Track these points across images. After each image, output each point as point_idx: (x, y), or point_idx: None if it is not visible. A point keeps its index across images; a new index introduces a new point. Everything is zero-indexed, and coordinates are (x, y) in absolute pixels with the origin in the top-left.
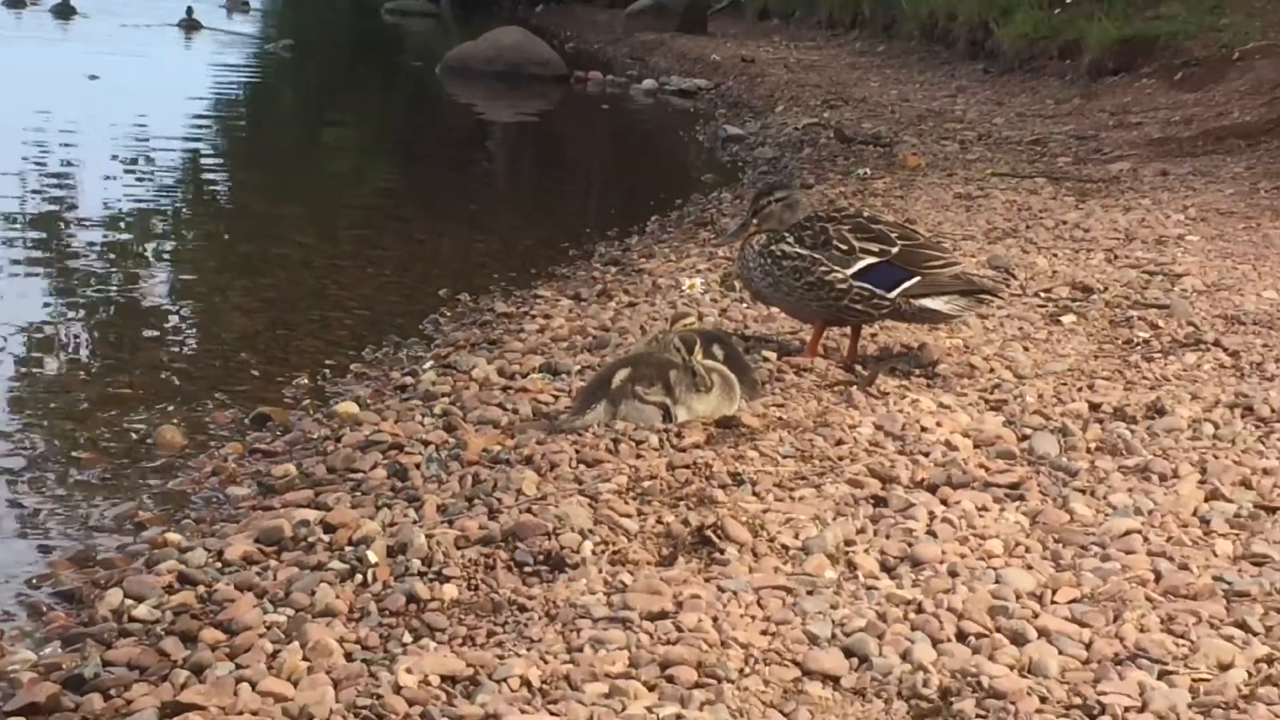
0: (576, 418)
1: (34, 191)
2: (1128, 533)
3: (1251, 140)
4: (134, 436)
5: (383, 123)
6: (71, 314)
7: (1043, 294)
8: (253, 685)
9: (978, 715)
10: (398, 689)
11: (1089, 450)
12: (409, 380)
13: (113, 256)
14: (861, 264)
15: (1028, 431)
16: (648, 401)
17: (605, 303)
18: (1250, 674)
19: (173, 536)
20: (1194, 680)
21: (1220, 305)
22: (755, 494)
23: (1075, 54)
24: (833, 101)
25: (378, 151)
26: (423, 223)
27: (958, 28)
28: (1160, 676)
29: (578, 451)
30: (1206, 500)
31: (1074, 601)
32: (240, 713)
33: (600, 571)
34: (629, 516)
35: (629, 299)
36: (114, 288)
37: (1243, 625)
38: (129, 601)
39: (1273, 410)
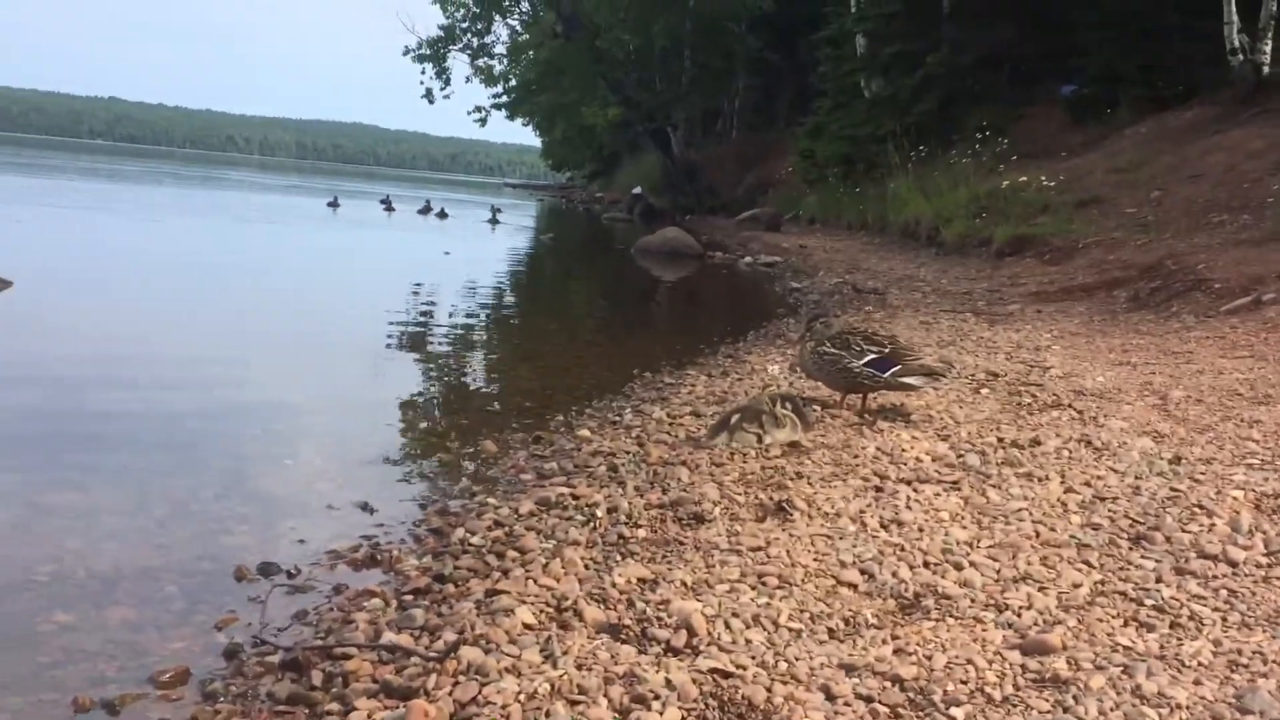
0: (711, 439)
1: (412, 313)
2: (1019, 510)
3: (1089, 294)
4: (470, 446)
5: (601, 279)
6: (437, 381)
7: (969, 377)
8: (535, 580)
9: (935, 608)
10: (613, 584)
11: (997, 463)
12: (617, 418)
13: (455, 349)
14: (868, 358)
15: (963, 452)
16: (750, 431)
17: (725, 378)
18: (1090, 590)
19: (491, 500)
20: (1059, 592)
21: (1072, 384)
22: (809, 483)
23: (988, 243)
24: (850, 269)
25: (598, 294)
26: (623, 333)
27: (921, 228)
28: (1039, 590)
29: (711, 458)
30: (1065, 492)
31: (990, 546)
32: (528, 595)
33: (723, 524)
34: (739, 494)
35: (738, 376)
36: (456, 366)
37: (1086, 563)
38: (467, 534)
39: (1103, 443)
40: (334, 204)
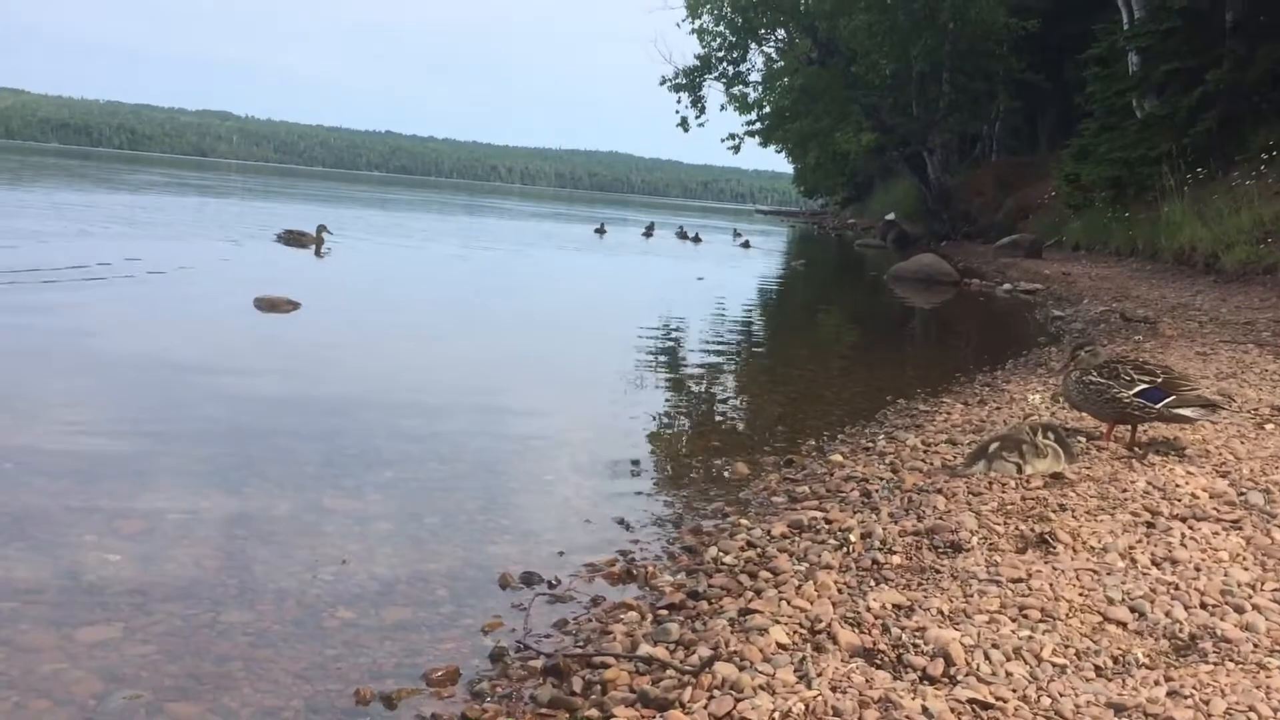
0: (968, 467)
1: (666, 337)
2: None
3: None
4: (722, 470)
5: (853, 306)
6: (690, 403)
7: (1252, 411)
8: (788, 601)
9: (1213, 651)
10: (868, 609)
11: None
12: (870, 444)
13: (707, 373)
14: (1139, 388)
15: (1244, 490)
16: (1009, 461)
17: (982, 407)
18: None
19: (743, 521)
20: None
21: None
22: (1073, 516)
23: (1274, 271)
24: (1118, 297)
25: (850, 320)
26: (876, 360)
27: (1197, 254)
28: None
29: (968, 487)
30: None
31: (1276, 590)
32: (781, 615)
33: (982, 554)
34: (999, 524)
35: (996, 405)
36: (708, 389)
37: None
38: (720, 553)
39: None
40: (600, 230)
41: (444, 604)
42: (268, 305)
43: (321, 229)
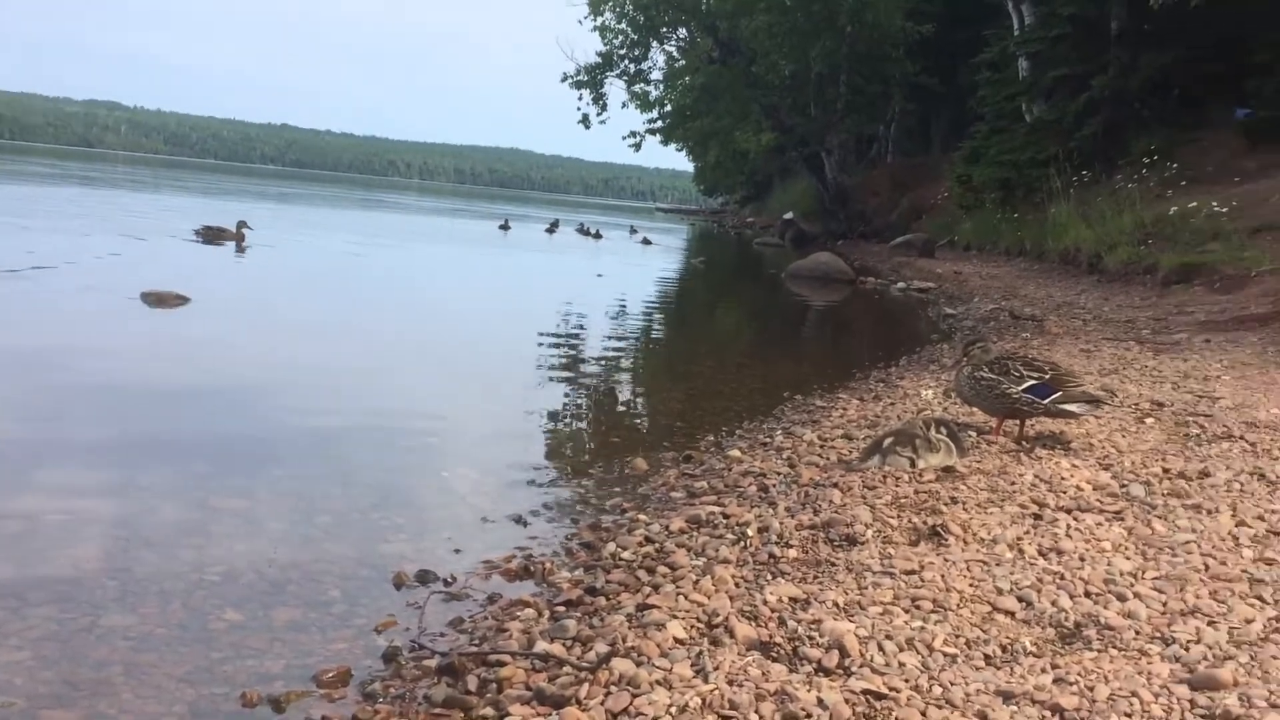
0: (863, 462)
1: (565, 334)
2: (1187, 542)
3: (1263, 324)
4: (621, 466)
5: (752, 303)
6: (589, 400)
7: (1133, 406)
8: (686, 596)
9: (1097, 638)
10: (764, 603)
11: (1163, 494)
12: (768, 440)
13: (607, 369)
14: (1028, 384)
15: (1126, 482)
16: (903, 455)
17: (877, 402)
18: (1264, 626)
19: (642, 517)
20: (1230, 627)
21: (1243, 415)
22: (964, 509)
23: (1154, 271)
24: (1007, 295)
25: (749, 317)
26: (773, 356)
27: (1082, 255)
28: (1209, 624)
29: (863, 481)
30: (1236, 526)
31: (1156, 578)
32: (679, 610)
33: (876, 547)
34: (892, 518)
35: (890, 401)
36: (608, 385)
37: (1259, 598)
38: (618, 549)
39: (1277, 476)
40: (505, 226)
41: (336, 604)
42: (155, 300)
43: (242, 225)
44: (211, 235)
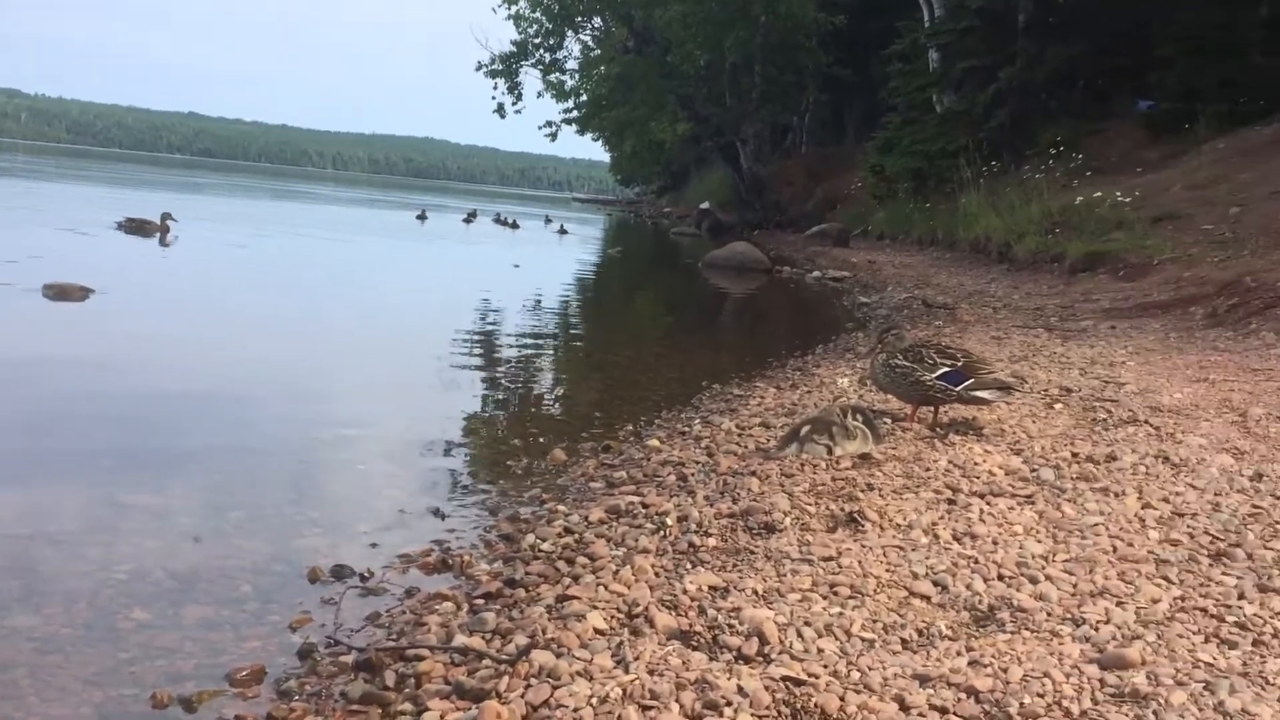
0: (781, 450)
1: (482, 324)
2: (1095, 524)
3: (1165, 311)
4: (540, 455)
5: (669, 292)
6: (507, 391)
7: (1042, 392)
8: (605, 586)
9: (1010, 621)
10: (684, 592)
11: (1072, 478)
12: (686, 429)
13: (524, 360)
14: (940, 371)
15: (1036, 466)
16: (819, 443)
17: (794, 390)
18: (1170, 605)
19: (561, 508)
20: (1137, 607)
21: (1148, 400)
22: (880, 495)
23: (1061, 259)
24: (920, 284)
25: (667, 307)
26: (691, 345)
27: (992, 244)
28: (1117, 605)
29: (781, 469)
30: (1143, 508)
31: (1066, 561)
32: (599, 600)
33: (794, 534)
34: (810, 505)
35: (807, 389)
36: (526, 376)
37: (1165, 578)
38: (537, 540)
39: (1181, 460)
40: (422, 217)
41: (249, 601)
42: (57, 293)
43: (166, 216)
44: (135, 227)
